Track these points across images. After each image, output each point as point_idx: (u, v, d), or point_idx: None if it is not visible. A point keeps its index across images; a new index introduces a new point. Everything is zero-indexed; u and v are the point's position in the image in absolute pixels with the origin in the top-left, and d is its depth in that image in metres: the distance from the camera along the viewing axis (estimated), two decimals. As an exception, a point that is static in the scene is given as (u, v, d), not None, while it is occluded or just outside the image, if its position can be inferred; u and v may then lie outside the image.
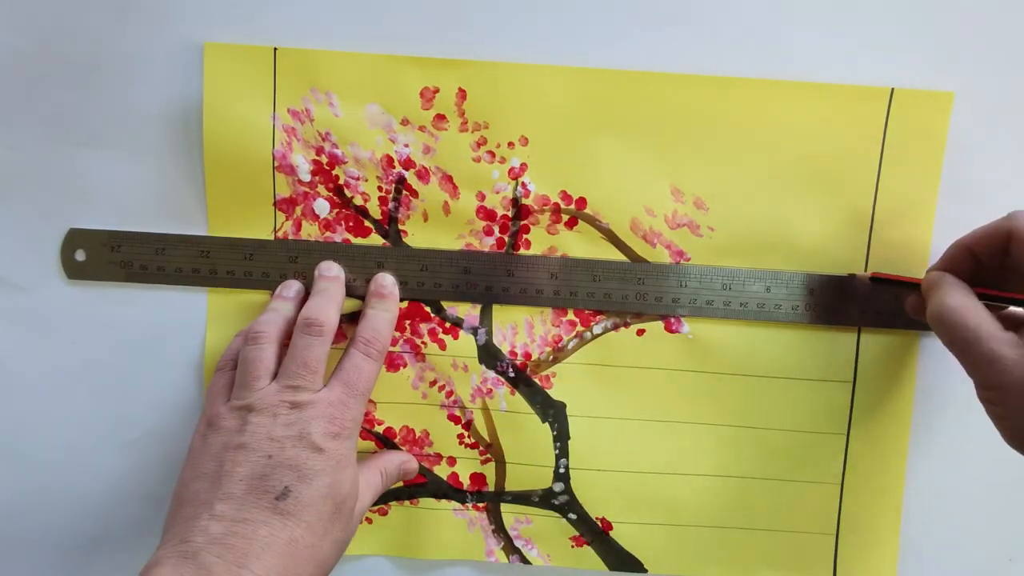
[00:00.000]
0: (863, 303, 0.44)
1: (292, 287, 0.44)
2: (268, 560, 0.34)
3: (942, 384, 0.45)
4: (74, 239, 0.45)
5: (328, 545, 0.37)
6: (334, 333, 0.41)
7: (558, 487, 0.46)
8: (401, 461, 0.45)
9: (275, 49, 0.43)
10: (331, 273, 0.43)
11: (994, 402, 0.35)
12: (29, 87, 0.43)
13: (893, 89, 0.43)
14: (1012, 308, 0.39)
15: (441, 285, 0.44)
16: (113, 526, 0.48)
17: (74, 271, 0.45)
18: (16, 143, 0.44)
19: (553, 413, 0.46)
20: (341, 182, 0.44)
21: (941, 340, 0.37)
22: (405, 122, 0.43)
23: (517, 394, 0.46)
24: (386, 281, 0.44)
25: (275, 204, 0.44)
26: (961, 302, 0.36)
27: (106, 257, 0.45)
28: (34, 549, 0.48)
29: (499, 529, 0.47)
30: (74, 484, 0.47)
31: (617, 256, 0.45)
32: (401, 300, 0.45)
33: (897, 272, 0.44)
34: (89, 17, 0.43)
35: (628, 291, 0.44)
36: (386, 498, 0.47)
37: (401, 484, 0.47)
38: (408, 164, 0.44)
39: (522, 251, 0.45)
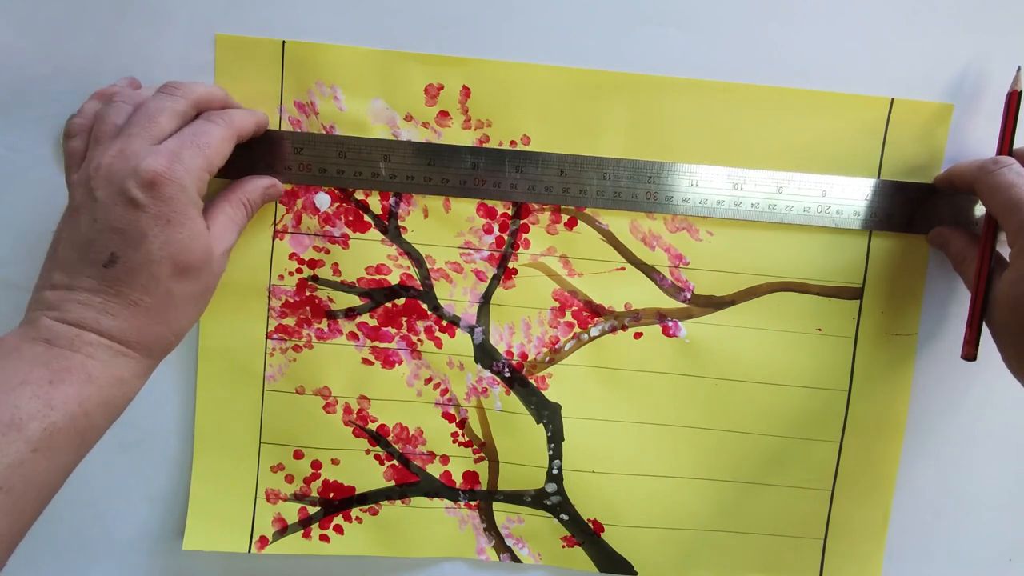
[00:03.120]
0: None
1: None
2: (107, 323, 0.35)
3: (942, 383, 0.46)
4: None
5: (177, 304, 0.37)
6: (191, 102, 0.38)
7: (551, 488, 0.46)
8: (266, 186, 0.43)
9: (284, 42, 0.42)
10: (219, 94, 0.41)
11: None
12: (30, 86, 0.43)
13: (893, 99, 0.43)
14: None
15: (448, 180, 0.44)
16: (113, 526, 0.47)
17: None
18: (16, 143, 0.44)
19: (548, 414, 0.46)
20: (343, 176, 0.44)
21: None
22: (409, 118, 0.43)
23: (512, 394, 0.46)
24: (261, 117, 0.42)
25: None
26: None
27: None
28: (34, 549, 0.47)
29: (490, 528, 0.47)
30: (74, 484, 0.47)
31: (616, 258, 0.45)
32: (408, 195, 0.44)
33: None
34: (97, 11, 0.43)
35: (638, 190, 0.44)
36: (376, 498, 0.46)
37: (391, 484, 0.46)
38: (410, 160, 0.44)
39: (522, 250, 0.45)
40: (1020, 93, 0.41)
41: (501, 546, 0.47)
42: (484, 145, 0.44)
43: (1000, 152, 0.41)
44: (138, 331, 0.36)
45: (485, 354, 0.46)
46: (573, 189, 0.44)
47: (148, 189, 0.35)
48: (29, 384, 0.32)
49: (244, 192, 0.41)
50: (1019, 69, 0.42)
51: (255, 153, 0.43)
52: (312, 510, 0.46)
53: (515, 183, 0.44)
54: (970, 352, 0.41)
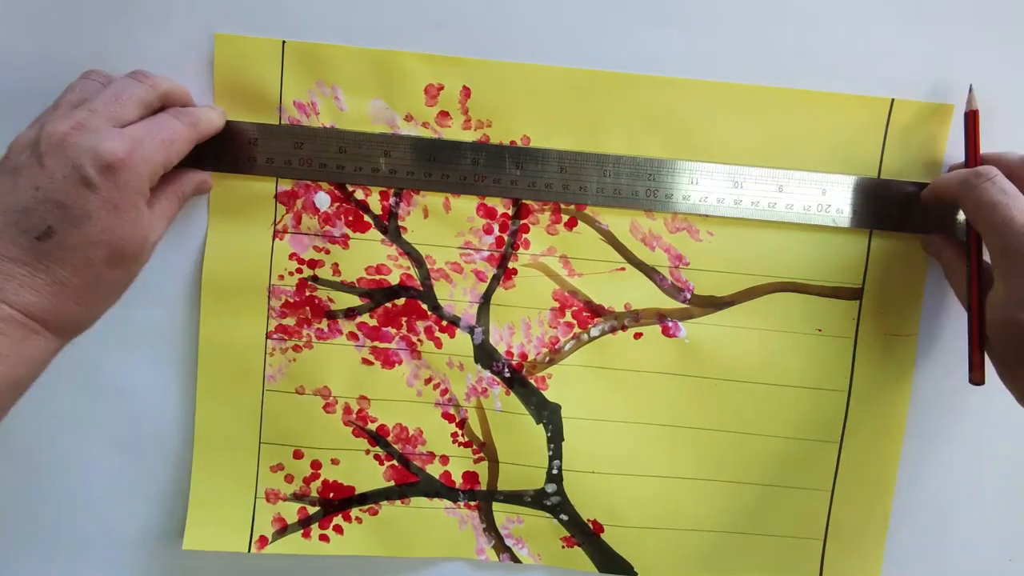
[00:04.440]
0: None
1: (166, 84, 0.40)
2: (27, 296, 0.34)
3: (942, 383, 0.46)
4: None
5: (103, 288, 0.36)
6: (159, 91, 0.38)
7: (551, 488, 0.46)
8: (201, 180, 0.42)
9: (284, 42, 0.43)
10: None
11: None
12: (29, 86, 0.43)
13: (893, 100, 0.43)
14: None
15: (448, 176, 0.44)
16: (113, 526, 0.47)
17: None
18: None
19: (548, 415, 0.46)
20: (343, 176, 0.44)
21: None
22: (409, 118, 0.43)
23: (512, 394, 0.46)
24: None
25: (276, 197, 0.44)
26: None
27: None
28: (34, 549, 0.47)
29: (490, 528, 0.47)
30: (74, 484, 0.47)
31: (616, 258, 0.45)
32: (408, 195, 0.44)
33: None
34: (97, 11, 0.43)
35: (638, 187, 0.44)
36: (376, 498, 0.46)
37: (390, 485, 0.46)
38: (410, 160, 0.44)
39: (522, 250, 0.45)
40: (977, 112, 0.41)
41: (501, 546, 0.47)
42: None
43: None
44: (57, 310, 0.35)
45: (485, 354, 0.46)
46: (573, 186, 0.44)
47: (105, 172, 0.34)
48: None
49: (180, 186, 0.41)
50: (971, 89, 0.42)
51: (257, 147, 0.43)
52: (312, 510, 0.46)
53: (515, 179, 0.44)
54: (978, 377, 0.40)
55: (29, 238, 0.34)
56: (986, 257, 0.41)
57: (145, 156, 0.36)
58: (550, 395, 0.46)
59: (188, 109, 0.40)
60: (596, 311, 0.45)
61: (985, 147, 0.41)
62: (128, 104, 0.37)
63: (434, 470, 0.46)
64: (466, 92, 0.43)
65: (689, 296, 0.45)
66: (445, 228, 0.45)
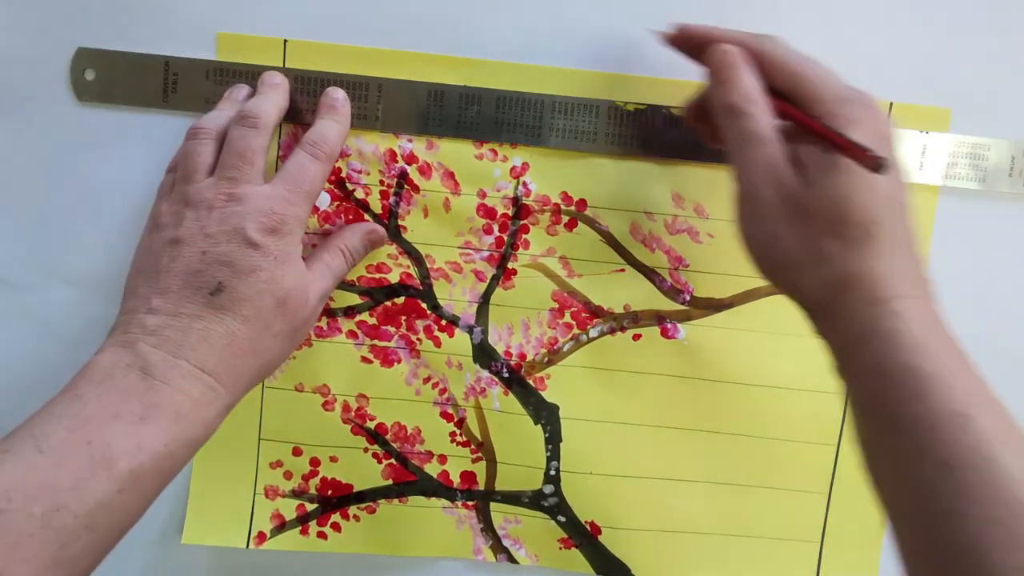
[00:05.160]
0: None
1: (243, 91, 0.43)
2: (204, 351, 0.35)
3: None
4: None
5: (270, 340, 0.37)
6: (271, 129, 0.40)
7: (548, 489, 0.46)
8: (366, 231, 0.43)
9: (285, 41, 0.43)
10: (275, 81, 0.42)
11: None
12: (30, 83, 0.44)
13: (892, 103, 0.43)
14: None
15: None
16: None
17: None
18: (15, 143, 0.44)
19: (546, 415, 0.46)
20: (343, 175, 0.44)
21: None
22: (409, 118, 0.44)
23: (510, 394, 0.46)
24: (338, 95, 0.42)
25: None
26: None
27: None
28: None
29: (487, 528, 0.47)
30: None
31: (615, 259, 0.45)
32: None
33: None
34: (98, 10, 0.43)
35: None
36: (374, 496, 0.47)
37: (388, 483, 0.46)
38: (411, 159, 0.44)
39: (521, 251, 0.45)
40: None
41: (498, 547, 0.47)
42: (484, 145, 0.44)
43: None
44: (230, 362, 0.36)
45: (484, 354, 0.46)
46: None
47: (268, 233, 0.37)
48: (121, 419, 0.32)
49: (342, 239, 0.43)
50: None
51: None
52: (310, 507, 0.47)
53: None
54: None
55: (202, 294, 0.35)
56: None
57: (294, 209, 0.38)
58: (548, 396, 0.46)
59: (316, 137, 0.40)
60: (595, 312, 0.45)
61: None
62: (257, 160, 0.38)
63: (432, 469, 0.47)
64: (467, 92, 0.43)
65: (688, 298, 0.45)
66: (445, 227, 0.45)
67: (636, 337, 0.45)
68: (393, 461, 0.46)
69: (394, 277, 0.45)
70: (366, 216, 0.44)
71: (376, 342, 0.45)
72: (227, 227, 0.36)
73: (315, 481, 0.46)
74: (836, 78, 0.36)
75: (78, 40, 0.43)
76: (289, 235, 0.38)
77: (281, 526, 0.47)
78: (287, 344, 0.39)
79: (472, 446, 0.46)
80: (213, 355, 0.35)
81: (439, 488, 0.47)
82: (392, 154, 0.44)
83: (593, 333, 0.46)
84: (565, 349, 0.46)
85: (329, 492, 0.46)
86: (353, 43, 0.43)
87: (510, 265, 0.45)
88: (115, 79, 0.43)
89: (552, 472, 0.46)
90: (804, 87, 0.36)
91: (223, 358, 0.35)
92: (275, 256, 0.37)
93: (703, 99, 0.40)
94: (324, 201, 0.44)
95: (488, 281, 0.45)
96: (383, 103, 0.43)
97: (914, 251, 0.34)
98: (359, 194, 0.44)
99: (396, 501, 0.47)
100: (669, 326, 0.45)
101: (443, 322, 0.45)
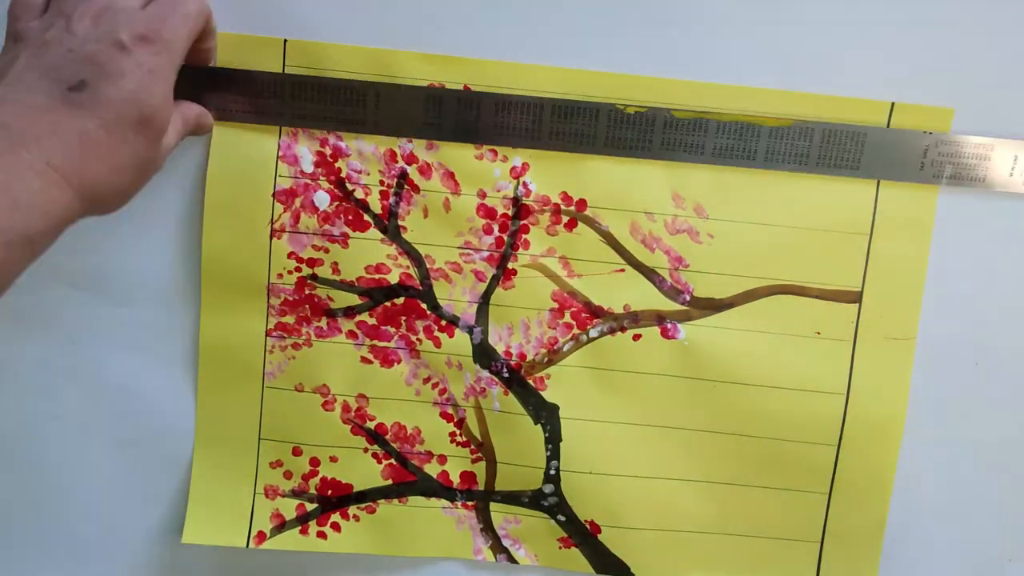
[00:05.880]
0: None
1: None
2: (50, 145, 0.32)
3: (941, 386, 0.46)
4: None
5: (127, 155, 0.35)
6: None
7: (548, 489, 0.46)
8: (198, 113, 0.41)
9: (285, 41, 0.43)
10: None
11: None
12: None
13: (893, 103, 0.43)
14: None
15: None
16: (113, 520, 0.48)
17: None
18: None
19: (546, 415, 0.46)
20: (343, 175, 0.44)
21: None
22: (409, 118, 0.44)
23: (510, 395, 0.46)
24: None
25: (274, 195, 0.44)
26: None
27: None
28: (34, 544, 0.48)
29: (487, 528, 0.47)
30: (74, 479, 0.47)
31: (615, 259, 0.45)
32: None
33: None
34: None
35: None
36: (374, 496, 0.47)
37: (388, 483, 0.46)
38: (411, 159, 0.44)
39: (521, 251, 0.45)
40: None
41: (498, 547, 0.47)
42: (485, 145, 0.44)
43: None
44: (80, 167, 0.33)
45: (484, 354, 0.46)
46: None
47: (138, 40, 0.34)
48: None
49: (182, 107, 0.40)
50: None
51: (259, 99, 0.43)
52: (310, 507, 0.47)
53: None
54: None
55: (60, 88, 0.33)
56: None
57: (174, 30, 0.36)
58: (548, 396, 0.46)
59: None
60: (595, 312, 0.45)
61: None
62: None
63: (432, 469, 0.47)
64: (467, 91, 0.43)
65: (688, 298, 0.45)
66: (445, 228, 0.45)
67: (636, 337, 0.45)
68: (393, 461, 0.46)
69: (394, 277, 0.45)
70: (366, 216, 0.44)
71: (376, 342, 0.45)
72: (99, 31, 0.34)
73: (315, 481, 0.46)
74: None
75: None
76: (164, 52, 0.35)
77: (281, 526, 0.47)
78: (141, 171, 0.36)
79: (472, 446, 0.46)
80: (61, 151, 0.32)
81: (439, 488, 0.47)
82: (392, 154, 0.44)
83: (593, 333, 0.45)
84: (565, 349, 0.46)
85: (329, 492, 0.47)
86: (353, 43, 0.43)
87: (510, 265, 0.45)
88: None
89: (552, 472, 0.46)
90: None
91: (71, 157, 0.33)
92: (148, 68, 0.34)
93: None
94: (324, 201, 0.44)
95: (488, 281, 0.45)
96: (381, 109, 0.43)
97: None
98: (359, 194, 0.44)
99: (396, 501, 0.47)
100: (669, 326, 0.45)
101: (443, 322, 0.45)
